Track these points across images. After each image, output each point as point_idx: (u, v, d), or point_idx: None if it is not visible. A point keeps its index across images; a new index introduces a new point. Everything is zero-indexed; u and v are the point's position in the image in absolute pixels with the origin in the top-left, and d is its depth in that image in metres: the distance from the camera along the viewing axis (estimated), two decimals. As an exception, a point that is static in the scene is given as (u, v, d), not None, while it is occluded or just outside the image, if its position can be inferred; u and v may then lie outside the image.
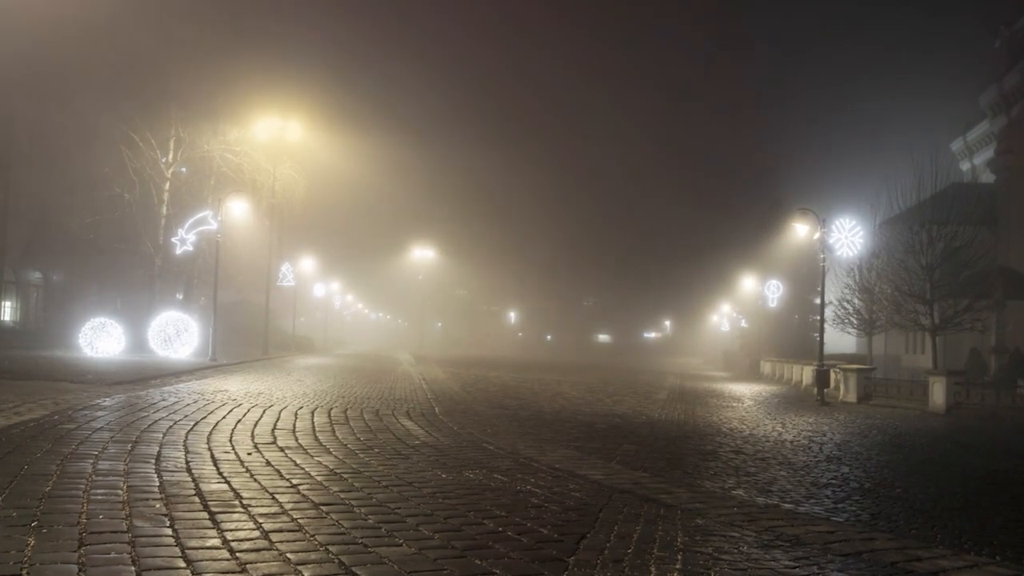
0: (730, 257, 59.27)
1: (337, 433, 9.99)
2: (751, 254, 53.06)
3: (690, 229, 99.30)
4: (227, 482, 6.41)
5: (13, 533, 4.53)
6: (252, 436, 9.22)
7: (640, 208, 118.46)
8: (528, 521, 5.66)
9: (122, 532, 4.71)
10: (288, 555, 4.48)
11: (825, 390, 24.28)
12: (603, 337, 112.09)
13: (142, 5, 31.89)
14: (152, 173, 32.50)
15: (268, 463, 7.47)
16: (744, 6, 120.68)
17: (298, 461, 7.68)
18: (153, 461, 7.17)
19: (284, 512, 5.50)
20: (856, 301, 33.36)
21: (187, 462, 7.23)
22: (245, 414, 11.40)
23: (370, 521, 5.41)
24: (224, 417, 10.88)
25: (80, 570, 3.99)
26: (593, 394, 21.60)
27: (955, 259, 27.78)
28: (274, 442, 8.88)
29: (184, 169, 34.41)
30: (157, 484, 6.16)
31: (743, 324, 64.12)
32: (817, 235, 25.84)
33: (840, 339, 41.60)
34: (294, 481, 6.63)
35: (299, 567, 4.27)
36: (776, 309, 48.57)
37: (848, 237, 29.39)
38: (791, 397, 25.85)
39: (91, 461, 6.95)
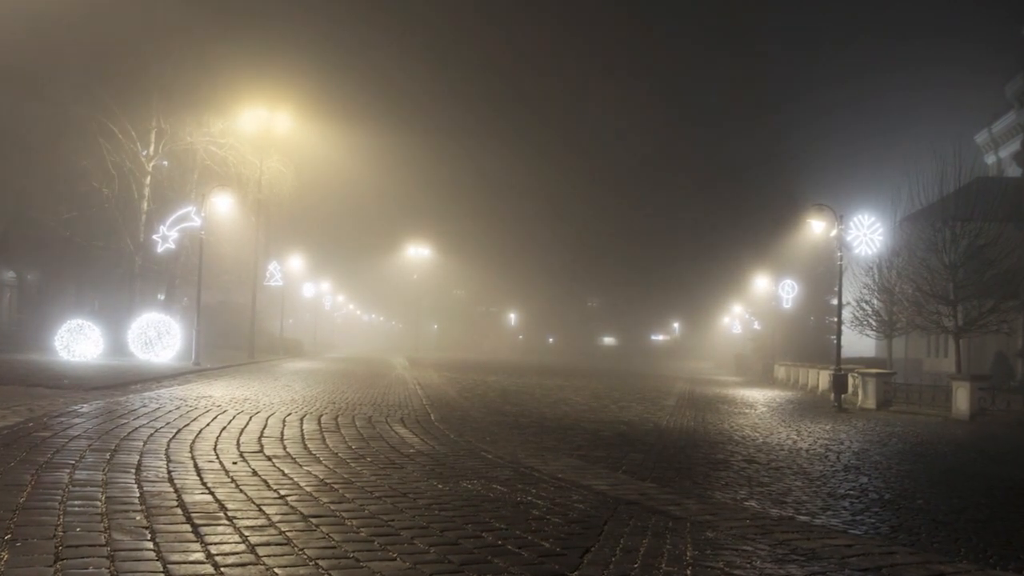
0: (742, 256, 59.29)
1: (327, 441, 9.99)
2: (764, 252, 53.06)
3: (700, 226, 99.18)
4: (211, 493, 6.42)
5: (-15, 547, 4.54)
6: (238, 444, 9.23)
7: (648, 204, 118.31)
8: (529, 534, 5.66)
9: (100, 546, 4.72)
10: (276, 570, 4.48)
11: (843, 396, 24.27)
12: (608, 340, 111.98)
13: (121, -11, 31.88)
14: (132, 167, 32.48)
15: (254, 473, 7.47)
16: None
17: (286, 471, 7.69)
18: (133, 471, 7.17)
19: (271, 525, 5.50)
20: (875, 302, 33.33)
21: (169, 472, 7.23)
22: (230, 421, 11.41)
23: (362, 534, 5.41)
24: (208, 424, 10.89)
25: (56, 586, 4.00)
26: (598, 400, 21.61)
27: (980, 257, 27.76)
28: (261, 451, 8.89)
29: (166, 162, 34.38)
30: (137, 495, 6.17)
31: (756, 326, 64.15)
32: (834, 232, 25.83)
33: (858, 342, 41.56)
34: (282, 492, 6.64)
35: (287, 583, 4.27)
36: (791, 310, 48.58)
37: (867, 234, 29.39)
38: (807, 403, 25.85)
39: (68, 471, 6.95)
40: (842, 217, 26.05)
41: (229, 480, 7.03)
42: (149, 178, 33.25)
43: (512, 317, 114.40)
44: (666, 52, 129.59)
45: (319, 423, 11.85)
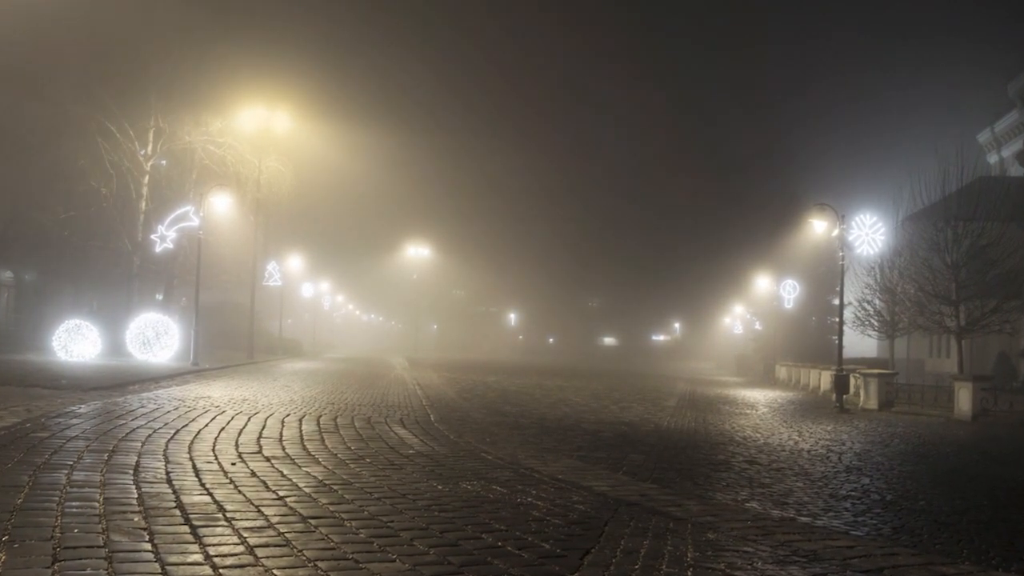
0: (744, 255, 59.27)
1: (327, 442, 10.00)
2: (766, 252, 53.06)
3: (701, 225, 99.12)
4: (210, 494, 6.42)
5: (-17, 548, 4.54)
6: (236, 445, 9.23)
7: (648, 204, 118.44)
8: (529, 535, 5.66)
9: (98, 547, 4.72)
10: (274, 571, 4.49)
11: (844, 396, 24.27)
12: (609, 340, 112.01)
13: (120, -13, 31.87)
14: (130, 166, 32.48)
15: (253, 474, 7.47)
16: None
17: (285, 472, 7.69)
18: (131, 472, 7.17)
19: (270, 526, 5.51)
20: (877, 302, 33.34)
21: (167, 473, 7.23)
22: (229, 422, 11.41)
23: (361, 535, 5.41)
24: (207, 425, 10.90)
25: (54, 587, 4.00)
26: (598, 400, 21.62)
27: (982, 257, 27.75)
28: (260, 452, 8.89)
29: (164, 162, 34.39)
30: (135, 496, 6.17)
31: (757, 326, 64.11)
32: (836, 232, 25.84)
33: (860, 342, 41.60)
34: (281, 493, 6.64)
35: (286, 584, 4.27)
36: (792, 310, 48.58)
37: (869, 234, 29.45)
38: (808, 404, 25.86)
39: (65, 472, 6.95)
40: (844, 217, 26.07)
41: (228, 481, 7.03)
42: (147, 177, 33.24)
43: (512, 317, 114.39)
44: (667, 51, 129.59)
45: (318, 424, 11.85)
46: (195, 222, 28.82)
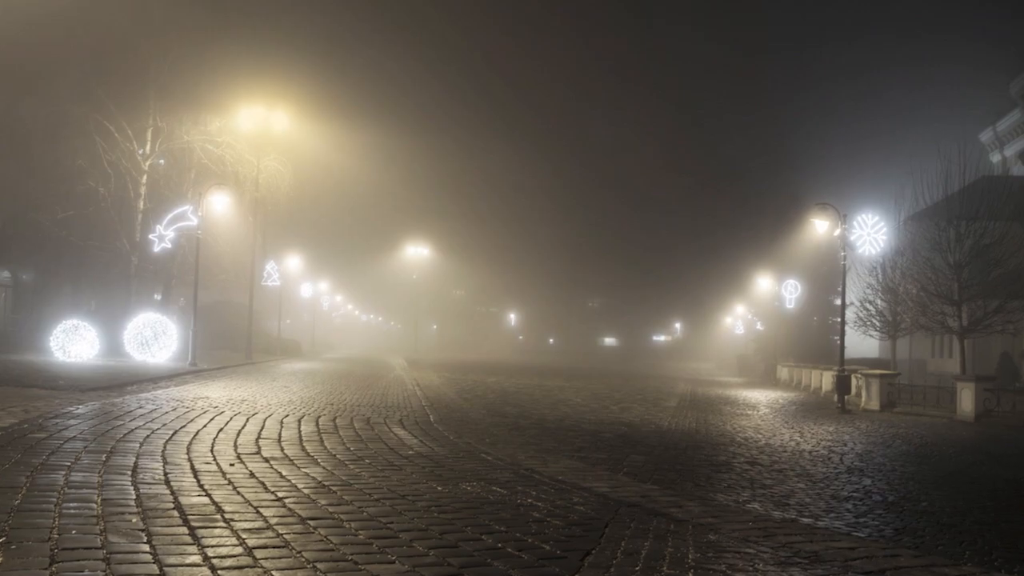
0: (745, 255, 59.24)
1: (326, 443, 10.00)
2: (767, 252, 53.07)
3: (703, 225, 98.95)
4: (208, 495, 6.42)
5: (-20, 549, 4.54)
6: (235, 446, 9.23)
7: (649, 203, 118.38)
8: (529, 537, 5.66)
9: (96, 548, 4.72)
10: (273, 573, 4.49)
11: (846, 397, 24.28)
12: (609, 340, 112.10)
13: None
14: (128, 165, 32.49)
15: (252, 475, 7.47)
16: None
17: (284, 473, 7.69)
18: (129, 473, 7.17)
19: (269, 527, 5.50)
20: (879, 302, 33.33)
21: (165, 474, 7.23)
22: (227, 422, 11.41)
23: (361, 536, 5.41)
24: (205, 426, 10.89)
25: (51, 589, 4.00)
26: (598, 401, 21.62)
27: (985, 257, 27.73)
28: (258, 452, 8.89)
29: (162, 161, 34.40)
30: (133, 497, 6.17)
31: (758, 327, 64.13)
32: (838, 232, 25.84)
33: (862, 342, 41.60)
34: (279, 494, 6.64)
35: (285, 586, 4.27)
36: (794, 311, 48.54)
37: (871, 234, 29.41)
38: (810, 404, 25.86)
39: (63, 473, 6.95)
40: (845, 216, 26.07)
41: (226, 482, 7.03)
42: (145, 177, 33.25)
43: (512, 317, 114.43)
44: (667, 51, 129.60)
45: (317, 425, 11.85)
46: (193, 222, 28.81)
